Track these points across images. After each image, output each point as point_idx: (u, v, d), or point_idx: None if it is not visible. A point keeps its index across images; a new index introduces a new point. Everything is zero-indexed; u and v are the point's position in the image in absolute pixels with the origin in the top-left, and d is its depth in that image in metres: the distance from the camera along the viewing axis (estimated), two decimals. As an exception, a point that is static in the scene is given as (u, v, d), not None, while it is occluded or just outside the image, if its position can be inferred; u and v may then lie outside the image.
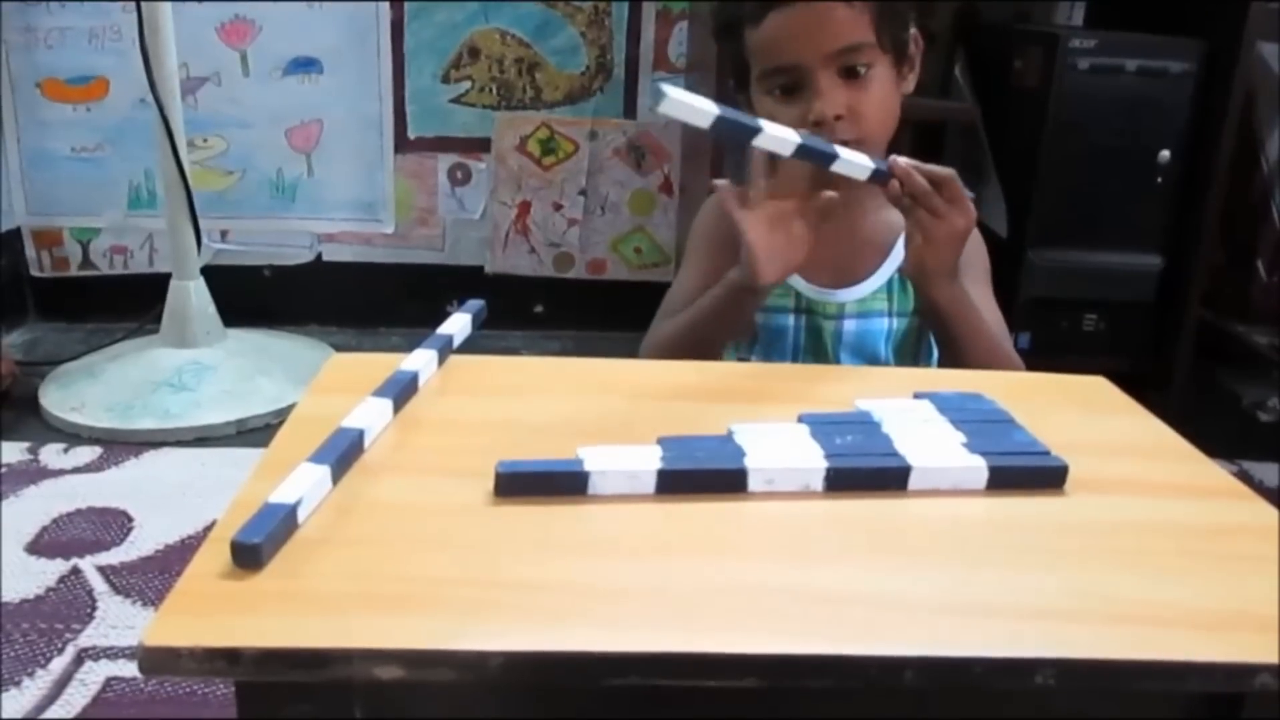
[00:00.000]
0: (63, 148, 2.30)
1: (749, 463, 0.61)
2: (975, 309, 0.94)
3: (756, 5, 0.94)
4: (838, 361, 1.00)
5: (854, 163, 0.85)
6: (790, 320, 1.01)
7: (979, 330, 0.93)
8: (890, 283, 1.01)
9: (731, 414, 0.69)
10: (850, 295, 1.00)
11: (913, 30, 0.98)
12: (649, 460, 0.61)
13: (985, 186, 1.99)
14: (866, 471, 0.62)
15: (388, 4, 2.28)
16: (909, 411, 0.70)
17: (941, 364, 0.95)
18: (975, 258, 1.01)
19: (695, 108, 0.74)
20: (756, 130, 0.79)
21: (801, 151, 0.81)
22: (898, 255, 1.00)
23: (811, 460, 0.62)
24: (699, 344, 0.93)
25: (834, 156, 0.84)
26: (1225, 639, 0.50)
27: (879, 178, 0.87)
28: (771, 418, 0.69)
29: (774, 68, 0.94)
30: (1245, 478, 1.86)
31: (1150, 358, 1.92)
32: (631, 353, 0.98)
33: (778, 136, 0.80)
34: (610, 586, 0.51)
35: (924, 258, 0.89)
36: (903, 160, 0.87)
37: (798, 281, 0.99)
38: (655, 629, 0.48)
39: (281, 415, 0.71)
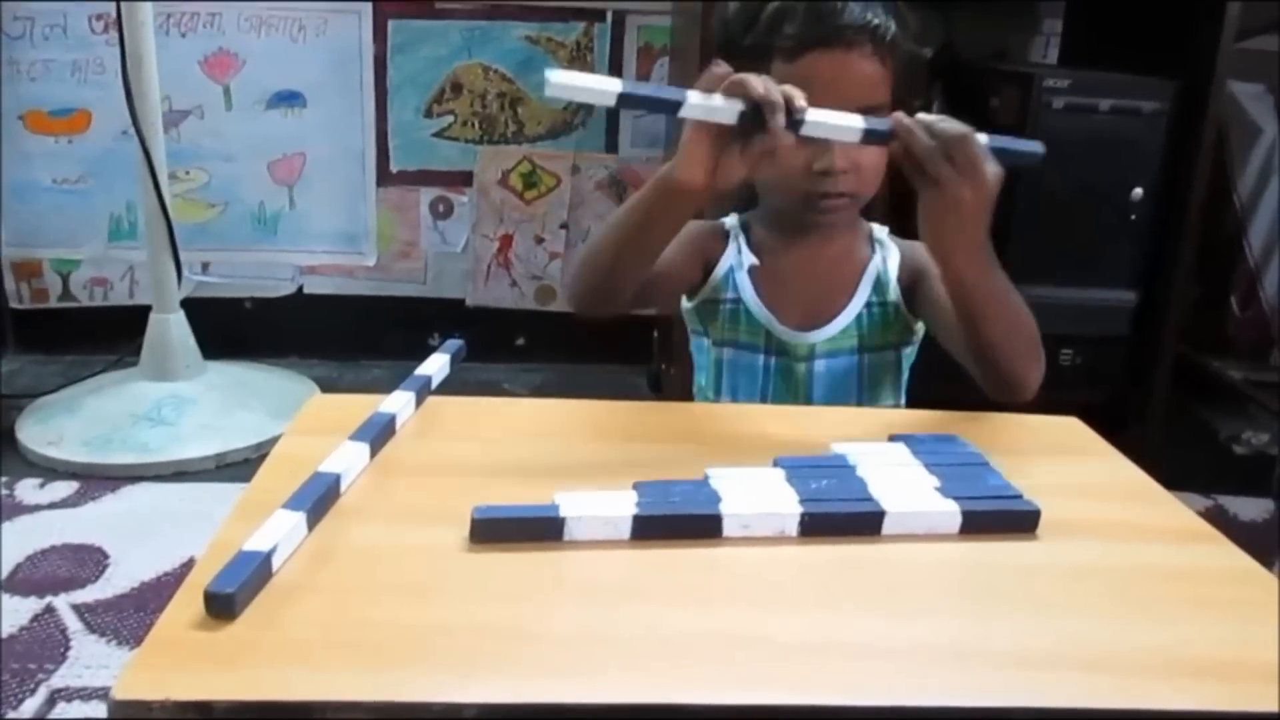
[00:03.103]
0: (44, 179, 2.30)
1: (724, 508, 0.62)
2: (1002, 282, 0.85)
3: (795, 40, 0.91)
4: (810, 400, 1.00)
5: (836, 125, 0.76)
6: (761, 360, 1.01)
7: (1005, 308, 0.86)
8: (859, 317, 1.00)
9: (708, 456, 0.70)
10: (820, 335, 0.99)
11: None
12: (625, 505, 0.61)
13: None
14: (841, 517, 0.62)
15: (371, 38, 2.30)
16: (884, 455, 0.71)
17: (967, 339, 0.87)
18: None
19: (592, 88, 0.68)
20: (678, 103, 0.72)
21: (745, 118, 0.73)
22: (865, 290, 1.00)
23: (786, 506, 0.62)
24: (628, 239, 0.87)
25: (800, 122, 0.74)
26: (1197, 686, 0.50)
27: (876, 139, 0.78)
28: (748, 461, 0.69)
29: None
30: (1221, 511, 1.88)
31: (1127, 392, 1.94)
32: (614, 387, 0.97)
33: (712, 106, 0.72)
34: (586, 635, 0.52)
35: (938, 232, 0.80)
36: (907, 118, 0.77)
37: (770, 323, 0.99)
38: (631, 680, 0.48)
39: (262, 449, 0.71)
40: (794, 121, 0.74)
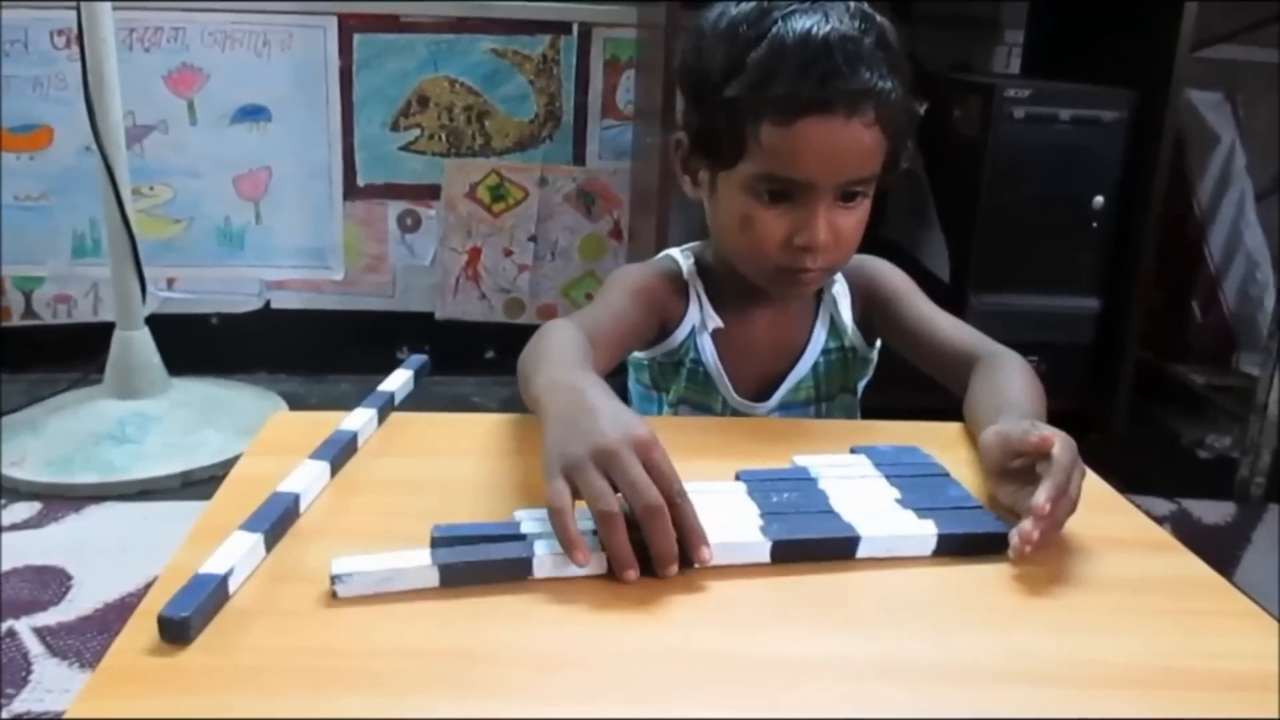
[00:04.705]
0: (6, 196, 2.26)
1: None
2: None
3: (789, 103, 0.78)
4: None
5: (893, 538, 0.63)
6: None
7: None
8: (815, 366, 0.95)
9: (670, 471, 0.70)
10: (775, 399, 0.95)
11: None
12: (589, 526, 0.60)
13: (927, 231, 2.03)
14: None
15: (336, 52, 2.29)
16: (845, 467, 0.71)
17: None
18: (901, 283, 0.96)
19: (399, 569, 0.56)
20: (527, 560, 0.58)
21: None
22: (819, 339, 0.95)
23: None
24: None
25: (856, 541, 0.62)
26: (1151, 695, 0.51)
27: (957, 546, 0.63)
28: (710, 474, 0.69)
29: (781, 175, 0.81)
30: (1185, 515, 1.90)
31: (1090, 399, 1.96)
32: None
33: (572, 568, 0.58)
34: (548, 655, 0.51)
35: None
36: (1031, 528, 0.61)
37: (728, 392, 0.94)
38: (593, 699, 0.48)
39: (228, 467, 0.70)
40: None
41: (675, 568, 0.58)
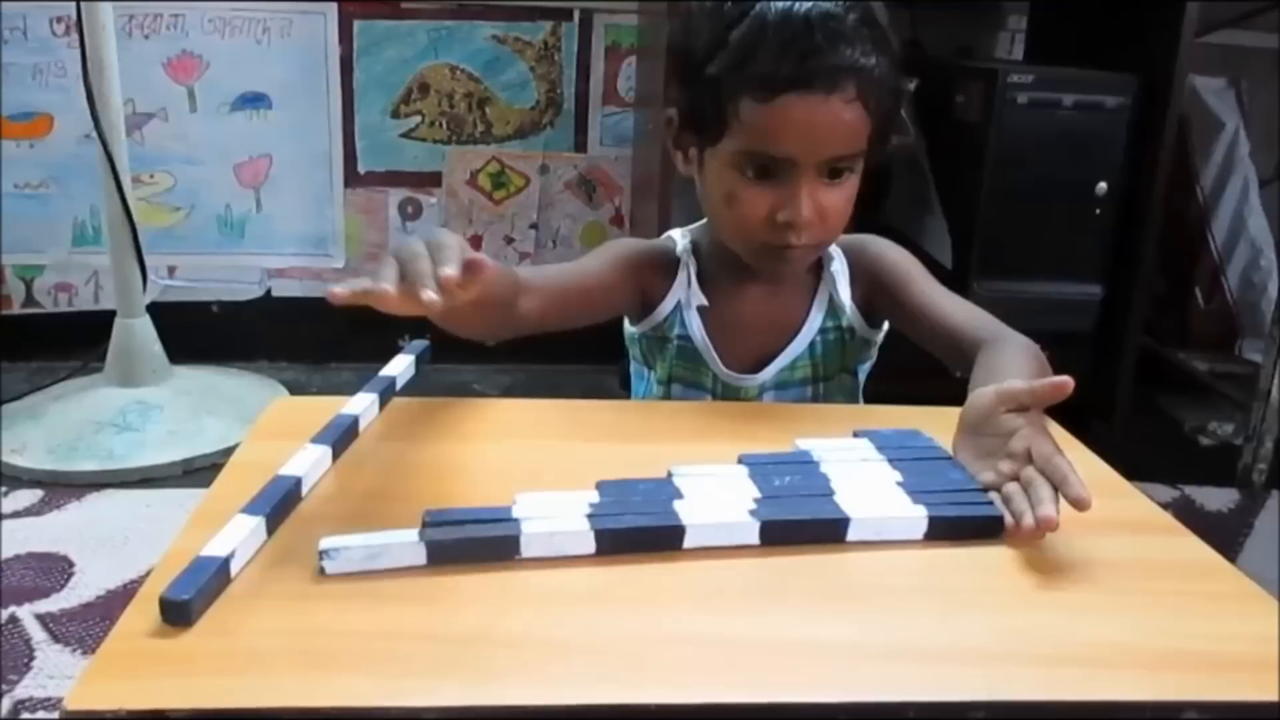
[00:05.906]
0: (5, 184, 2.26)
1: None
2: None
3: (768, 79, 0.79)
4: None
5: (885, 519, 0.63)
6: (708, 398, 0.96)
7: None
8: (812, 345, 0.94)
9: (674, 454, 0.69)
10: (767, 374, 0.94)
11: None
12: (584, 509, 0.60)
13: (930, 218, 2.02)
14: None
15: (336, 39, 2.28)
16: (847, 450, 0.71)
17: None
18: (906, 264, 0.95)
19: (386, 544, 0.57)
20: (514, 538, 0.58)
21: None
22: (816, 318, 0.95)
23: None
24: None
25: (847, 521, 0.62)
26: (1153, 677, 0.51)
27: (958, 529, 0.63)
28: (713, 457, 0.69)
29: (762, 152, 0.82)
30: (1188, 502, 1.90)
31: (1093, 386, 1.96)
32: (585, 387, 0.94)
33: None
34: (545, 639, 0.51)
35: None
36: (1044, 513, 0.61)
37: (718, 368, 0.94)
38: (591, 682, 0.48)
39: (229, 455, 0.70)
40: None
41: (432, 294, 0.57)
